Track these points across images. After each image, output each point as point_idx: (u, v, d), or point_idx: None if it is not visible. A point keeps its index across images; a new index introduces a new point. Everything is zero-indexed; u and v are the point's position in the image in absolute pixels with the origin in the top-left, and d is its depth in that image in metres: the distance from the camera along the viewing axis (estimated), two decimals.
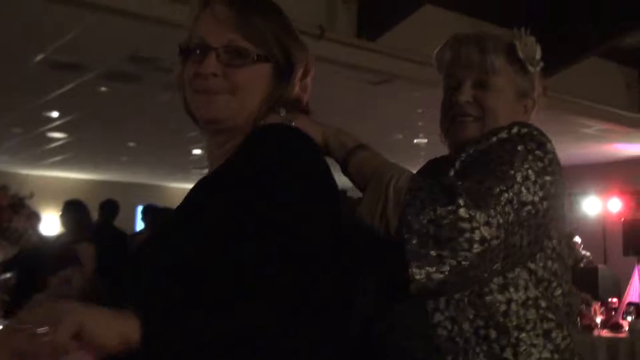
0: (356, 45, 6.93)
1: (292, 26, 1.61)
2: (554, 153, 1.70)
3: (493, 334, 1.60)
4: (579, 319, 5.56)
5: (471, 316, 1.60)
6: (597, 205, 12.58)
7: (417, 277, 1.42)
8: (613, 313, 5.84)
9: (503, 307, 1.61)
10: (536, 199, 1.58)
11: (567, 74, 8.33)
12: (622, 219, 11.28)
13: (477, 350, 1.59)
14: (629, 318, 5.96)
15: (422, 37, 7.20)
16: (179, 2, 5.82)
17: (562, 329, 1.69)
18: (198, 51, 1.52)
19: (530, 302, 1.64)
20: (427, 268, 1.41)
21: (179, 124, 10.74)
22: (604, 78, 9.19)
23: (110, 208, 9.20)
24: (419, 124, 9.43)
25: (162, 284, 1.35)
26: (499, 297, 1.61)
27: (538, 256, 1.66)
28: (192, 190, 1.52)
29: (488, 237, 1.44)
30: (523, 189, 1.56)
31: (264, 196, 1.34)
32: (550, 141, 1.72)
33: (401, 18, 6.91)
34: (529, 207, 1.56)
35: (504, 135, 1.72)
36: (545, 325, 1.65)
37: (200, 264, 1.35)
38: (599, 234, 12.17)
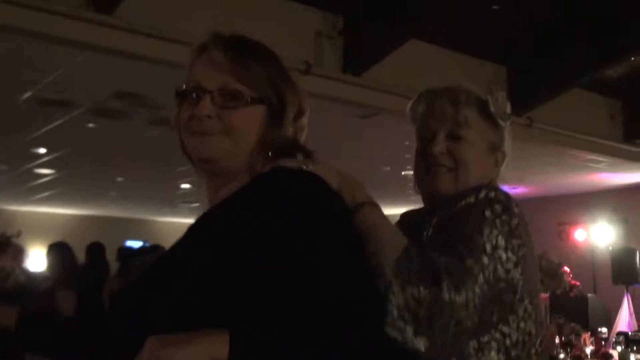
0: (342, 80, 6.97)
1: (286, 70, 1.65)
2: (520, 215, 1.71)
3: None
4: (570, 350, 5.57)
5: None
6: (585, 235, 12.62)
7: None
8: (603, 343, 5.83)
9: None
10: (509, 266, 1.60)
11: (552, 106, 8.41)
12: (611, 248, 11.32)
13: None
14: (619, 348, 5.97)
15: (407, 70, 7.27)
16: (164, 40, 5.88)
17: None
18: (194, 94, 1.56)
19: None
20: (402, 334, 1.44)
21: (167, 158, 10.73)
22: (589, 109, 9.25)
23: (96, 250, 9.14)
24: (407, 156, 9.35)
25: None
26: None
27: (511, 319, 1.67)
28: (201, 231, 1.54)
29: (463, 319, 1.47)
30: (498, 265, 1.57)
31: (299, 248, 1.39)
32: (517, 204, 1.74)
33: (386, 53, 6.95)
34: (503, 283, 1.58)
35: (471, 200, 1.73)
36: None
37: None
38: (587, 263, 12.18)
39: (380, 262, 1.48)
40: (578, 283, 10.96)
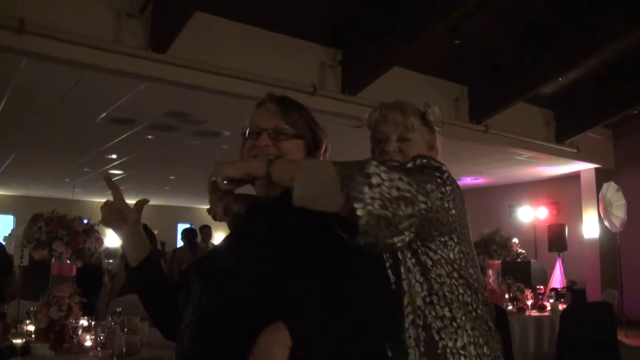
0: (341, 99, 6.99)
1: (315, 120, 1.73)
2: (448, 172, 1.71)
3: (434, 299, 1.67)
4: (515, 302, 5.61)
5: (419, 289, 1.67)
6: (529, 214, 12.65)
7: (360, 213, 1.36)
8: (540, 297, 5.85)
9: (439, 280, 1.68)
10: (440, 189, 1.61)
11: (503, 116, 8.44)
12: (547, 224, 11.35)
13: (426, 312, 1.66)
14: (551, 300, 6.00)
15: (392, 90, 7.28)
16: (203, 71, 5.93)
17: (477, 294, 1.74)
18: (255, 133, 1.66)
19: (451, 274, 1.70)
20: (367, 207, 1.37)
21: (206, 160, 10.82)
22: (530, 118, 9.28)
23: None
24: None
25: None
26: (432, 274, 1.67)
27: (450, 243, 1.70)
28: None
29: (402, 188, 1.43)
30: (438, 197, 1.58)
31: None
32: (444, 165, 1.74)
33: (375, 77, 6.98)
34: (436, 192, 1.58)
35: (409, 165, 1.74)
36: (462, 290, 1.71)
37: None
38: (531, 235, 12.21)
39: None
40: (524, 251, 11.02)
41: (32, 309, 3.68)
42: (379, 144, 1.95)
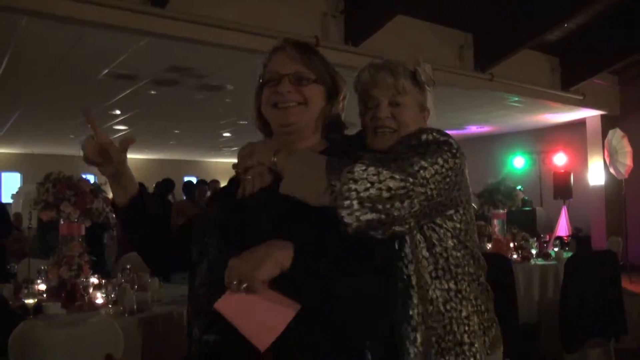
0: (344, 50, 6.92)
1: (334, 67, 1.73)
2: (455, 144, 1.69)
3: (440, 273, 1.70)
4: (520, 251, 5.65)
5: (426, 264, 1.70)
6: (535, 162, 12.64)
7: (349, 220, 1.41)
8: (545, 245, 5.88)
9: (445, 254, 1.71)
10: (443, 170, 1.58)
11: (508, 64, 8.36)
12: (553, 171, 11.36)
13: (433, 287, 1.69)
14: (556, 249, 6.03)
15: (396, 39, 7.22)
16: (204, 25, 5.87)
17: (479, 261, 1.80)
18: (275, 79, 1.64)
19: (457, 247, 1.73)
20: (355, 214, 1.41)
21: (211, 114, 10.82)
22: (535, 65, 9.20)
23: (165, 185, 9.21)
24: None
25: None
26: (438, 249, 1.70)
27: (455, 216, 1.72)
28: None
29: (393, 187, 1.44)
30: (427, 164, 1.55)
31: None
32: (450, 137, 1.72)
33: (379, 27, 6.90)
34: (436, 176, 1.56)
35: (413, 142, 1.70)
36: (468, 259, 1.76)
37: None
38: (536, 183, 12.23)
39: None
40: (528, 198, 11.07)
41: (42, 267, 3.73)
42: (369, 110, 1.87)
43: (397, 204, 1.45)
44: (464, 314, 1.71)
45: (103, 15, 5.35)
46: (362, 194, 1.41)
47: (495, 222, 5.78)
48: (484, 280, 1.81)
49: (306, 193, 1.46)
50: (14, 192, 8.80)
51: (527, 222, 7.75)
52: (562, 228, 9.07)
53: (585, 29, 8.53)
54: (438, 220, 1.70)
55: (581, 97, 9.66)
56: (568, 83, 9.46)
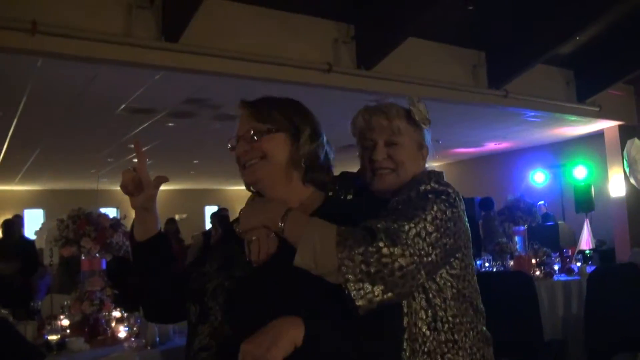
0: (356, 75, 6.95)
1: (300, 106, 1.72)
2: (453, 192, 1.71)
3: (439, 325, 1.71)
4: (542, 267, 5.61)
5: (424, 316, 1.71)
6: (555, 176, 12.54)
7: (361, 303, 1.41)
8: (568, 260, 5.84)
9: (443, 306, 1.72)
10: (441, 227, 1.60)
11: (522, 79, 8.35)
12: (574, 185, 11.27)
13: (431, 338, 1.70)
14: (579, 263, 5.98)
15: (408, 62, 7.25)
16: (217, 57, 5.94)
17: (477, 310, 1.80)
18: (235, 143, 1.68)
19: (455, 296, 1.74)
20: (367, 296, 1.41)
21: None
22: (549, 79, 9.17)
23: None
24: None
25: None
26: (436, 301, 1.72)
27: (455, 263, 1.74)
28: None
29: (405, 265, 1.45)
30: (428, 224, 1.56)
31: None
32: (448, 186, 1.74)
33: (390, 50, 6.92)
34: (435, 233, 1.57)
35: (413, 194, 1.70)
36: (465, 306, 1.76)
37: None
38: (557, 197, 12.14)
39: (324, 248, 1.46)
40: (551, 213, 10.99)
41: (65, 302, 3.78)
42: (367, 151, 1.90)
43: (410, 281, 1.46)
44: None
45: (117, 52, 5.44)
46: (374, 277, 1.41)
47: (516, 239, 5.76)
48: (483, 329, 1.81)
49: (318, 269, 1.44)
50: (37, 229, 8.87)
51: (549, 237, 7.68)
52: (586, 241, 8.97)
53: (598, 40, 8.50)
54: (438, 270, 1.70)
55: (597, 109, 9.59)
56: (584, 95, 9.41)
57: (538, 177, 12.73)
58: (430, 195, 1.66)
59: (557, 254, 5.91)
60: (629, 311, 4.32)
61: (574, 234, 9.31)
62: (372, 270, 1.41)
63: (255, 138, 1.62)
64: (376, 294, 1.41)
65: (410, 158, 1.87)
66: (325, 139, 1.72)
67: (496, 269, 5.81)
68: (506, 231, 5.92)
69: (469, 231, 1.80)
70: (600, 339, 4.18)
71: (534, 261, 5.58)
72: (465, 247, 1.77)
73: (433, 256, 1.53)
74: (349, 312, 1.42)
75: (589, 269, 5.47)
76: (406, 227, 1.52)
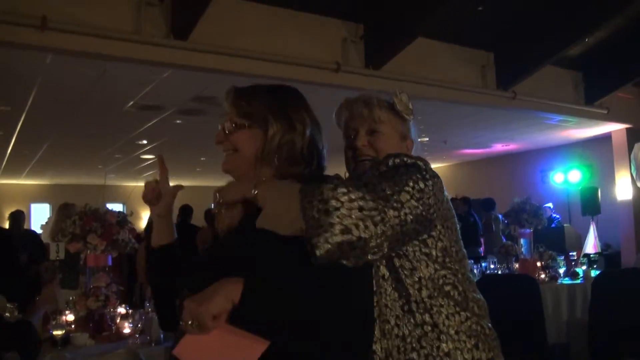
0: (365, 74, 6.95)
1: (285, 98, 1.69)
2: (425, 166, 1.67)
3: (414, 306, 1.65)
4: (548, 270, 5.59)
5: (395, 296, 1.66)
6: (561, 178, 12.51)
7: (319, 243, 1.34)
8: (573, 263, 5.83)
9: (416, 286, 1.66)
10: (415, 193, 1.52)
11: (530, 81, 8.33)
12: (580, 188, 11.25)
13: (405, 321, 1.65)
14: (584, 267, 5.97)
15: (417, 62, 7.24)
16: (226, 55, 5.94)
17: (466, 292, 1.72)
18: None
19: (433, 276, 1.67)
20: (324, 236, 1.34)
21: None
22: (557, 81, 9.15)
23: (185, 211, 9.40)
24: (421, 127, 9.48)
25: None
26: (409, 280, 1.66)
27: (429, 241, 1.67)
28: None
29: (365, 208, 1.37)
30: (413, 197, 1.50)
31: None
32: (420, 159, 1.71)
33: (399, 49, 6.92)
34: (412, 200, 1.50)
35: (382, 168, 1.71)
36: (447, 288, 1.68)
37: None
38: (564, 200, 12.11)
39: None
40: (559, 216, 10.96)
41: (70, 298, 3.80)
42: (349, 140, 1.92)
43: (371, 226, 1.37)
44: (443, 349, 1.63)
45: (126, 49, 5.46)
46: (332, 214, 1.34)
47: (522, 241, 5.75)
48: (474, 314, 1.72)
49: (280, 223, 1.41)
50: (43, 223, 8.93)
51: (555, 240, 7.67)
52: (591, 244, 8.95)
53: (606, 42, 8.48)
54: (410, 248, 1.65)
55: (605, 112, 9.57)
56: (592, 98, 9.38)
57: (546, 179, 12.70)
58: (401, 169, 1.64)
59: (563, 257, 5.90)
60: (633, 316, 4.31)
61: (580, 237, 9.30)
62: (331, 207, 1.35)
63: (230, 131, 1.68)
64: (334, 234, 1.34)
65: (392, 147, 1.85)
66: (310, 131, 1.67)
67: (501, 271, 5.81)
68: (512, 233, 5.91)
69: (451, 210, 1.75)
70: (604, 343, 4.17)
71: (539, 264, 5.58)
72: (444, 227, 1.71)
73: (402, 214, 1.46)
74: (306, 278, 1.40)
75: (594, 272, 5.46)
76: (371, 185, 1.47)
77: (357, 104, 1.91)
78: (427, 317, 1.64)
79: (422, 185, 1.55)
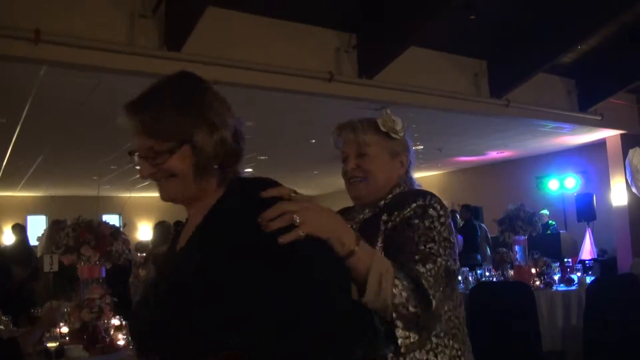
0: (358, 84, 6.99)
1: (189, 98, 1.46)
2: (438, 203, 1.81)
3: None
4: (543, 277, 5.60)
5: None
6: (556, 185, 12.52)
7: (403, 346, 1.58)
8: (568, 270, 5.84)
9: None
10: (449, 252, 1.76)
11: (524, 88, 8.37)
12: (575, 194, 11.27)
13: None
14: (579, 273, 5.98)
15: (409, 71, 7.28)
16: (218, 65, 5.96)
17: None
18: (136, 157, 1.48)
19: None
20: (410, 343, 1.59)
21: None
22: (551, 88, 9.19)
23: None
24: (415, 135, 9.49)
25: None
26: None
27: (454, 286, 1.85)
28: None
29: (434, 308, 1.61)
30: (446, 254, 1.73)
31: None
32: (440, 202, 1.83)
33: (392, 59, 6.95)
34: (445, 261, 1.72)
35: (408, 212, 1.79)
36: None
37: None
38: (559, 206, 12.13)
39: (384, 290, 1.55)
40: (554, 222, 10.98)
41: (65, 310, 3.79)
42: (343, 164, 2.03)
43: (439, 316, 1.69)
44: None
45: (120, 61, 5.49)
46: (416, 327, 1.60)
47: (516, 248, 5.76)
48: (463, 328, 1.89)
49: (369, 301, 1.54)
50: (39, 235, 8.93)
51: (551, 246, 7.67)
52: (587, 250, 8.97)
53: (600, 49, 8.53)
54: None
55: (599, 118, 9.61)
56: (585, 104, 9.43)
57: (542, 186, 12.71)
58: (426, 215, 1.78)
59: (558, 263, 5.90)
60: (629, 323, 4.32)
61: (576, 243, 9.32)
62: (419, 324, 1.59)
63: (157, 161, 1.42)
64: (412, 340, 1.60)
65: (382, 167, 1.97)
66: (230, 122, 1.47)
67: (496, 278, 5.81)
68: (506, 240, 5.93)
69: (453, 241, 1.86)
70: (599, 351, 4.17)
71: (534, 271, 5.58)
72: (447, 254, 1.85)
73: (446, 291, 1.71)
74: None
75: (589, 279, 5.47)
76: (423, 270, 1.66)
77: (345, 130, 2.01)
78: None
79: (441, 225, 1.77)
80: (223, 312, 1.26)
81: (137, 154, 1.44)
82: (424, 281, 1.62)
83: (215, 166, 1.44)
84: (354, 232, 1.51)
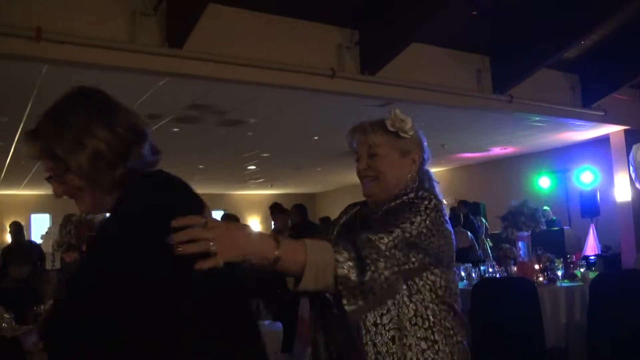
0: (361, 80, 6.98)
1: (73, 121, 1.53)
2: (435, 200, 1.86)
3: (420, 321, 1.82)
4: (546, 273, 5.59)
5: (406, 312, 1.83)
6: (560, 181, 12.49)
7: (350, 310, 1.57)
8: (571, 266, 5.82)
9: (424, 303, 1.83)
10: (422, 231, 1.76)
11: (527, 84, 8.34)
12: (579, 190, 11.25)
13: (412, 332, 1.81)
14: (582, 269, 5.96)
15: (412, 67, 7.26)
16: (221, 62, 5.96)
17: (461, 317, 1.91)
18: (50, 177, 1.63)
19: (435, 300, 1.85)
20: (358, 308, 1.58)
21: (234, 148, 10.93)
22: (554, 84, 9.16)
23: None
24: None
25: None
26: (418, 296, 1.84)
27: (436, 272, 1.86)
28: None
29: (388, 275, 1.62)
30: (407, 231, 1.73)
31: None
32: (432, 195, 1.89)
33: (394, 55, 6.94)
34: (415, 240, 1.74)
35: (397, 202, 1.87)
36: (449, 311, 1.88)
37: None
38: (563, 202, 12.10)
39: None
40: (555, 218, 10.94)
41: None
42: (356, 162, 2.10)
43: (393, 289, 1.68)
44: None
45: (122, 59, 5.49)
46: (365, 285, 1.58)
47: (520, 244, 5.75)
48: (463, 339, 1.90)
49: (317, 286, 1.56)
50: (43, 233, 8.96)
51: (554, 242, 7.65)
52: (591, 246, 8.94)
53: (602, 45, 8.50)
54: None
55: (603, 113, 9.58)
56: (589, 100, 9.39)
57: (543, 182, 12.69)
58: (413, 207, 1.82)
59: (562, 259, 5.89)
60: (633, 318, 4.30)
61: (580, 239, 9.28)
62: (366, 278, 1.57)
63: (62, 179, 1.56)
64: (358, 306, 1.58)
65: (392, 166, 2.02)
66: (103, 124, 1.53)
67: (499, 274, 5.81)
68: (509, 236, 5.92)
69: (452, 246, 1.91)
70: (603, 347, 4.16)
71: (537, 267, 5.57)
72: (448, 263, 1.89)
73: (418, 261, 1.74)
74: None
75: (592, 275, 5.46)
76: (385, 240, 1.68)
77: (357, 131, 2.08)
78: (429, 334, 1.82)
79: (430, 221, 1.80)
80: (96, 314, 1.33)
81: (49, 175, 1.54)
82: (370, 249, 1.63)
83: (101, 179, 1.51)
84: (271, 239, 1.50)
